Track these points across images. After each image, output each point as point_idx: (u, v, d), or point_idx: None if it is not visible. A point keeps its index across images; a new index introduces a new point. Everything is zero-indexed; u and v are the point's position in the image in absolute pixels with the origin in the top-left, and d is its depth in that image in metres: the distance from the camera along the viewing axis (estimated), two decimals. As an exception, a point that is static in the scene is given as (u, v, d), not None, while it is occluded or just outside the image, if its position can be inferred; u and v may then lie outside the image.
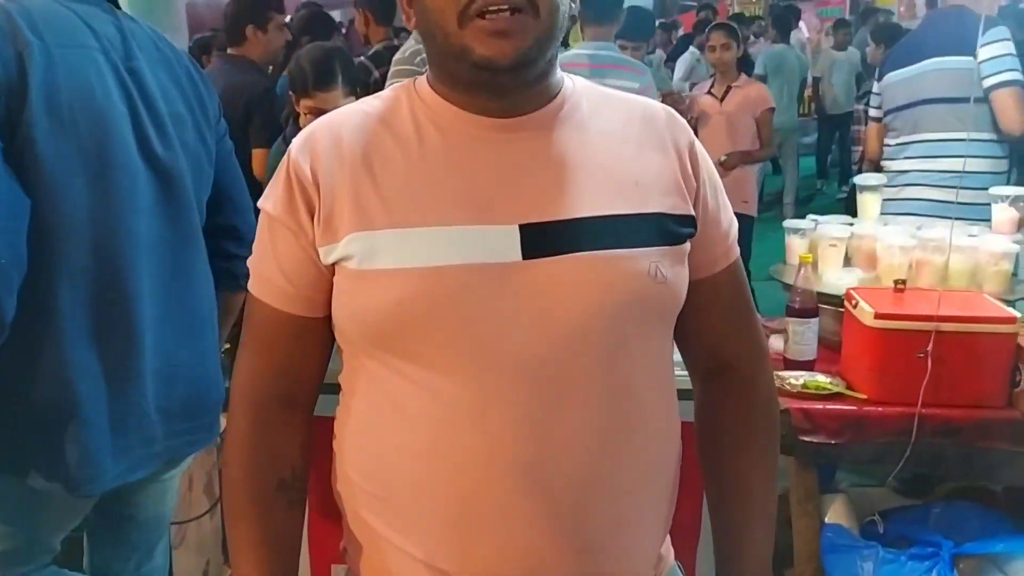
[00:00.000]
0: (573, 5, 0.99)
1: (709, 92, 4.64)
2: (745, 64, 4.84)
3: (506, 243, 0.93)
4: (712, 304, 1.11)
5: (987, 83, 3.00)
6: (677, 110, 4.29)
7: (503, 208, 0.94)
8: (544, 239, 0.94)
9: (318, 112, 2.19)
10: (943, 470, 2.23)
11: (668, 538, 1.12)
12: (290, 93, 2.52)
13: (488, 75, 0.92)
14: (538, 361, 0.93)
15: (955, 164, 2.99)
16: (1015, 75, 2.96)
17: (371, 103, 1.03)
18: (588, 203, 0.96)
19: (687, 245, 1.02)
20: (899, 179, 3.21)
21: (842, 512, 2.22)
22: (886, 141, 3.35)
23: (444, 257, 0.92)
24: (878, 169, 3.36)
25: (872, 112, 3.54)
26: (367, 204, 0.94)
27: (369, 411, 1.00)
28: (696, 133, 4.82)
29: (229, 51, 3.46)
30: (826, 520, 2.19)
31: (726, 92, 4.54)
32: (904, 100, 3.24)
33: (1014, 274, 2.35)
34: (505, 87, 0.95)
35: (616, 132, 1.02)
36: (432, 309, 0.92)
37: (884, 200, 3.11)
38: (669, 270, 0.98)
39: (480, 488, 0.93)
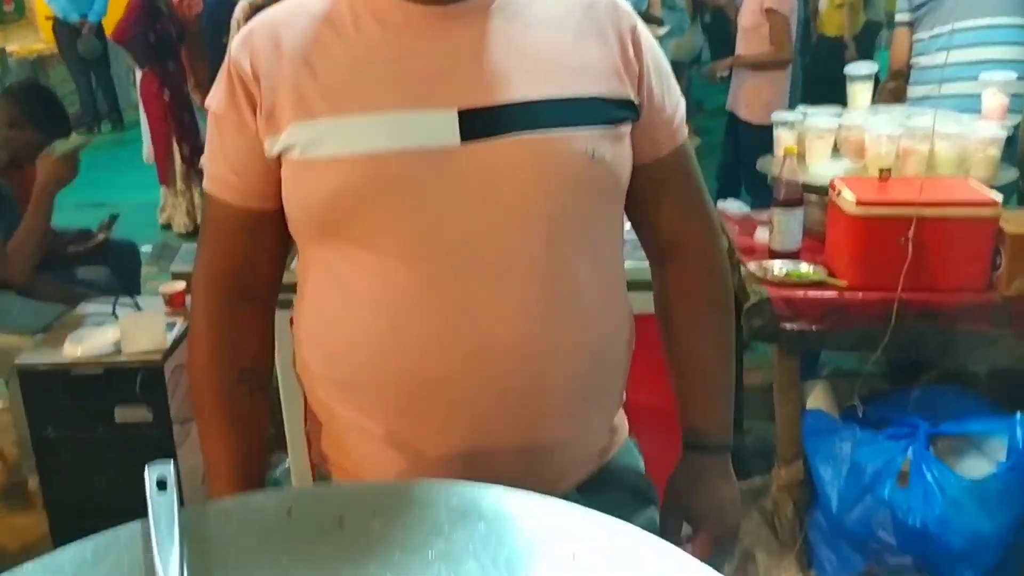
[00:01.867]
0: None
1: None
2: None
3: (444, 127, 0.95)
4: (661, 187, 1.12)
5: None
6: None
7: (441, 93, 0.96)
8: (482, 122, 0.95)
9: None
10: (923, 354, 2.26)
11: (622, 411, 1.17)
12: None
13: None
14: (478, 242, 0.95)
15: (995, 52, 2.90)
16: None
17: None
18: (526, 87, 0.97)
19: (626, 127, 1.03)
20: (933, 74, 3.04)
21: (823, 398, 2.27)
22: (917, 36, 3.18)
23: (382, 143, 0.94)
24: (905, 79, 3.21)
25: (899, 16, 3.32)
26: (307, 94, 0.96)
27: (322, 297, 1.03)
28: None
29: None
30: (807, 406, 2.24)
31: None
32: None
33: (1002, 160, 2.34)
34: None
35: (555, 19, 1.02)
36: (372, 195, 0.94)
37: (920, 99, 3.01)
38: (608, 151, 1.00)
39: (428, 369, 0.97)
